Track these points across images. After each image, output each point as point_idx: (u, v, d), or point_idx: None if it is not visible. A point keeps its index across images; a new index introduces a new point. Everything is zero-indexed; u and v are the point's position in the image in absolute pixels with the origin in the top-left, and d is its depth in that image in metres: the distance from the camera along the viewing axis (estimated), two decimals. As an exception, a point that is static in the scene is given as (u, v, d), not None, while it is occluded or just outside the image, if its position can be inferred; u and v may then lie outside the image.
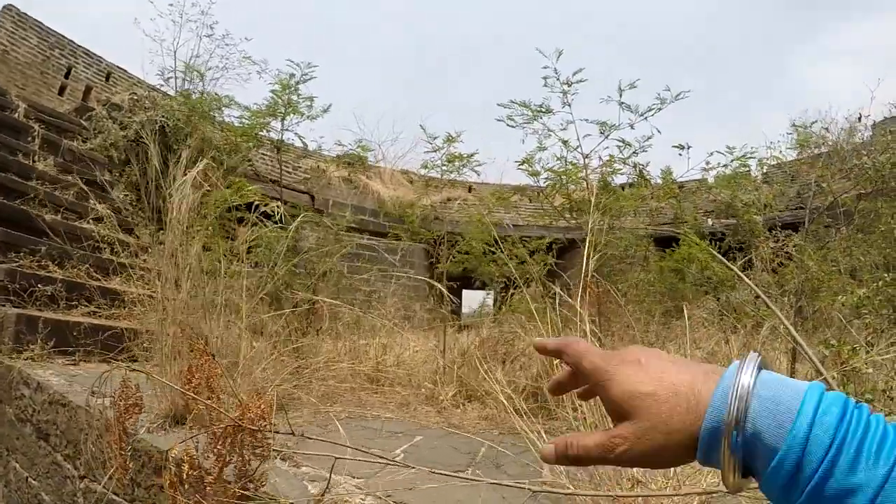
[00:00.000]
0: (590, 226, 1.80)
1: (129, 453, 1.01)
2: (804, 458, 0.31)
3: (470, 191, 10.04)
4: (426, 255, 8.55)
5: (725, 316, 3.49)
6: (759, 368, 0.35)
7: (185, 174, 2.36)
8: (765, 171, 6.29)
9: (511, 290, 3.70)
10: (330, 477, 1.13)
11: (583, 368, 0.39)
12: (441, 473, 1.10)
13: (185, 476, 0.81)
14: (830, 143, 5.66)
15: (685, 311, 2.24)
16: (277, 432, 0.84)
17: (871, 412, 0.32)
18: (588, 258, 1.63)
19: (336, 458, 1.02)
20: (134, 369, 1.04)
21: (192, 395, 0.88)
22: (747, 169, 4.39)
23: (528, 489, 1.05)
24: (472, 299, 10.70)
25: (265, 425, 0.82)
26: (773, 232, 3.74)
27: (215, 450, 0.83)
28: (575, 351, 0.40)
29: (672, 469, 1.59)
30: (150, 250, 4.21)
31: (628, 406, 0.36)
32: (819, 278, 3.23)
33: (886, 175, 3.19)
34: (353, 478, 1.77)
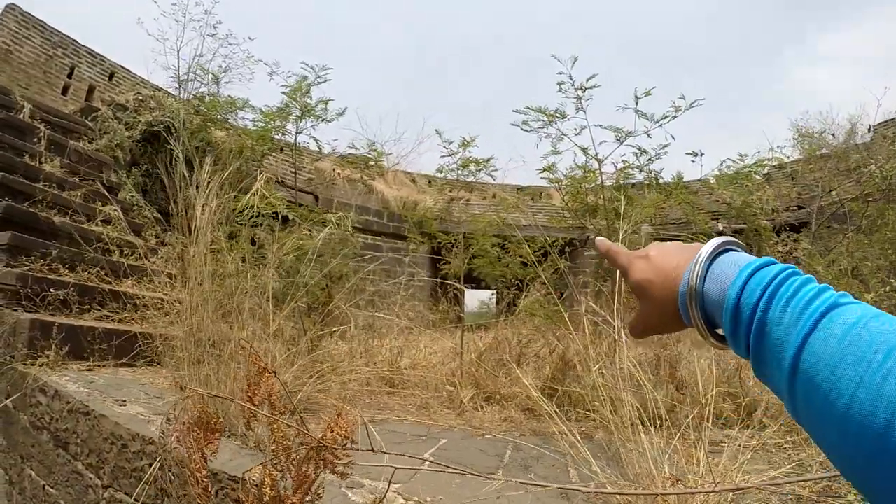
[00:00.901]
0: (620, 236, 1.83)
1: (210, 478, 1.02)
2: (739, 315, 0.36)
3: (472, 191, 10.05)
4: (430, 256, 8.55)
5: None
6: (727, 250, 0.42)
7: (209, 180, 2.36)
8: (766, 171, 6.37)
9: (524, 293, 3.73)
10: (389, 486, 1.15)
11: (616, 265, 0.51)
12: (508, 480, 1.12)
13: (265, 499, 0.82)
14: (833, 147, 5.75)
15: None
16: (359, 450, 0.86)
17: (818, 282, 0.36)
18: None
19: (395, 468, 1.04)
20: (216, 395, 1.04)
21: (264, 413, 0.89)
22: (750, 170, 4.45)
23: (584, 491, 1.08)
24: (472, 299, 10.73)
25: (348, 444, 0.84)
26: (781, 236, 3.79)
27: (300, 470, 0.84)
28: (611, 251, 0.53)
29: (706, 467, 1.66)
30: (159, 252, 4.18)
31: (638, 291, 0.47)
32: (826, 281, 3.29)
33: (893, 182, 3.27)
34: (392, 483, 1.79)
